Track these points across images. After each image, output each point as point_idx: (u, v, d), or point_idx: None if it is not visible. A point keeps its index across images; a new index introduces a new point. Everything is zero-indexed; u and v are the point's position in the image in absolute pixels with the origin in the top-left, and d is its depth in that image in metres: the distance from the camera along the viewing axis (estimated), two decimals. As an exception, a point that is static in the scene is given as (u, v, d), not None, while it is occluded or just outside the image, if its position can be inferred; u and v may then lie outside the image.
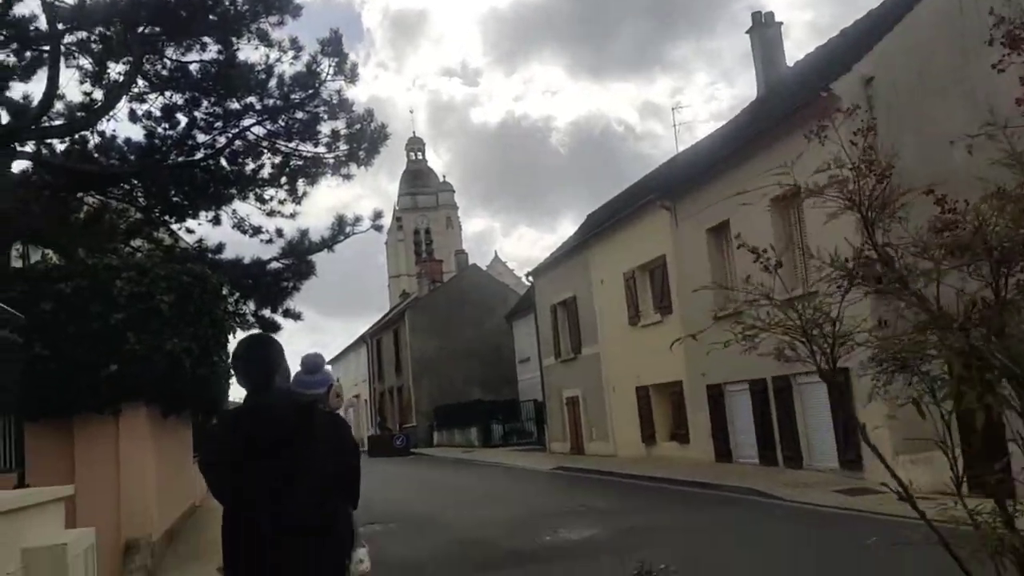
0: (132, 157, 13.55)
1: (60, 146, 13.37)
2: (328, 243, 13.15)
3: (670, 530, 9.91)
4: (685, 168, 18.71)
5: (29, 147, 13.09)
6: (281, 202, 14.53)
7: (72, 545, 4.19)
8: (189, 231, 15.31)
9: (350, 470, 3.03)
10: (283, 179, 14.44)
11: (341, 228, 13.10)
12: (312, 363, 3.46)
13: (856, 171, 3.06)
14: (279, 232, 14.08)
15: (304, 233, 13.37)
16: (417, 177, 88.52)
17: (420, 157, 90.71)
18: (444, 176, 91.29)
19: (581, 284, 24.11)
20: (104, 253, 9.97)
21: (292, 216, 14.37)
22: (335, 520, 2.90)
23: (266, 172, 14.28)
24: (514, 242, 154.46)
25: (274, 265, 13.49)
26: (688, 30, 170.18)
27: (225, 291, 11.82)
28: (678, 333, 18.58)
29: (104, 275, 9.83)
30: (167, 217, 14.96)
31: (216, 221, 14.93)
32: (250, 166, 14.09)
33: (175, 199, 14.66)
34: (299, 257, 13.29)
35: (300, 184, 14.44)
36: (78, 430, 9.88)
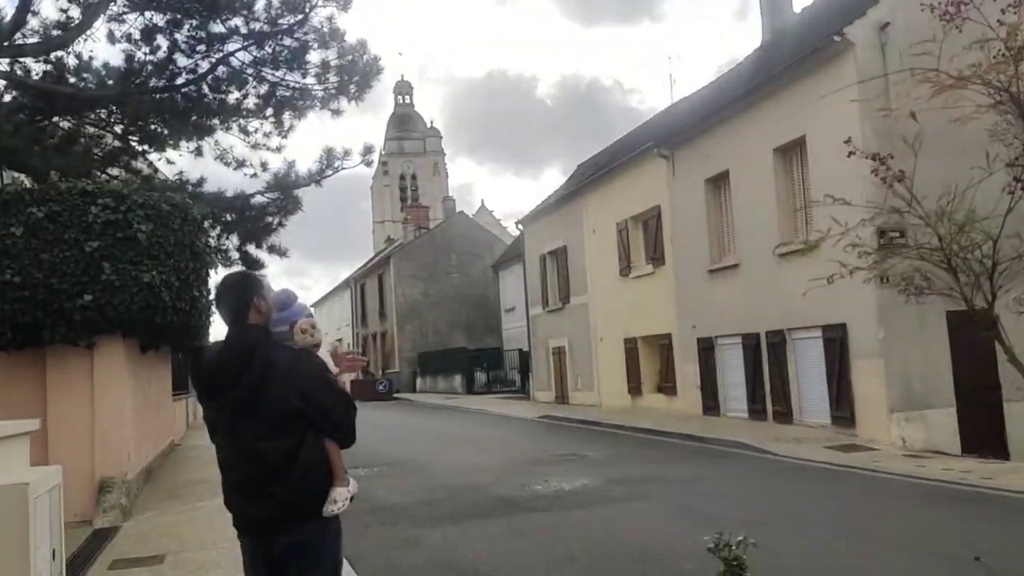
0: (110, 81, 12.87)
1: (36, 66, 12.69)
2: (316, 177, 12.61)
3: (663, 481, 9.70)
4: (684, 117, 18.18)
5: (3, 65, 12.39)
6: (267, 135, 13.93)
7: (35, 484, 3.81)
8: (169, 162, 14.70)
9: (318, 409, 2.88)
10: (269, 111, 13.81)
11: (330, 162, 12.54)
12: (279, 300, 3.17)
13: (1010, 55, 2.63)
14: (264, 166, 13.51)
15: (291, 165, 12.83)
16: (404, 122, 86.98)
17: (408, 101, 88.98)
18: (431, 122, 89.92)
19: (572, 234, 23.70)
20: (79, 178, 9.40)
21: (278, 150, 13.80)
22: (296, 454, 2.81)
23: (251, 102, 13.64)
24: (499, 193, 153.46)
25: (258, 199, 12.95)
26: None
27: (207, 224, 11.32)
28: (669, 284, 18.32)
29: (79, 201, 9.30)
30: (146, 146, 14.34)
31: (198, 152, 14.34)
32: (234, 95, 13.45)
33: (155, 128, 14.04)
34: (285, 191, 12.75)
35: (287, 117, 13.83)
36: (51, 362, 9.45)
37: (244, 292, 2.97)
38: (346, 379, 3.39)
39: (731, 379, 15.93)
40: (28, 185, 9.33)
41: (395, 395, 35.34)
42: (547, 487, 9.59)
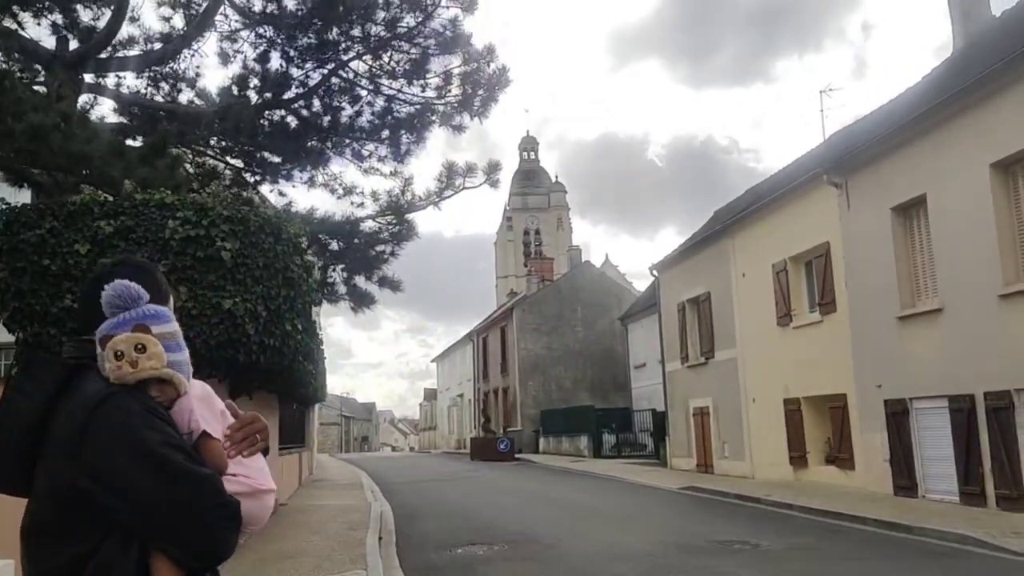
0: (216, 99, 11.78)
1: (135, 82, 11.77)
2: (434, 198, 10.95)
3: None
4: (860, 139, 15.50)
5: (110, 79, 11.51)
6: (381, 159, 12.47)
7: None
8: (281, 194, 13.50)
9: (126, 496, 1.53)
10: (385, 132, 12.36)
11: (451, 179, 10.85)
12: (111, 295, 1.69)
13: None
14: (375, 196, 12.00)
15: (407, 183, 11.16)
16: (529, 177, 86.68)
17: (533, 157, 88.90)
18: (556, 176, 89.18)
19: (716, 279, 21.10)
20: (157, 189, 8.00)
21: (393, 175, 12.29)
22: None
23: (365, 120, 12.25)
24: (617, 253, 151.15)
25: (369, 224, 11.41)
26: (791, 44, 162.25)
27: (309, 250, 9.77)
28: (843, 335, 15.42)
29: (156, 214, 7.87)
30: (259, 177, 13.17)
31: (311, 183, 13.07)
32: (347, 112, 12.09)
33: (266, 155, 12.87)
34: (399, 215, 11.13)
35: (403, 138, 12.32)
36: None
37: (99, 285, 1.73)
38: (251, 464, 1.78)
39: (933, 452, 12.82)
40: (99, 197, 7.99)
41: (517, 455, 33.12)
42: (723, 593, 7.14)
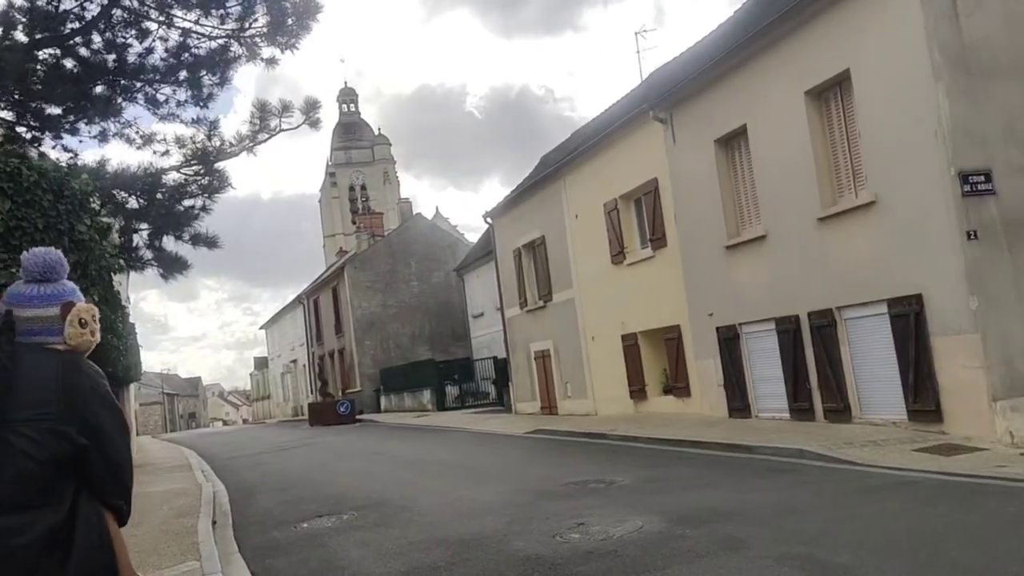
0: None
1: None
2: (248, 143, 9.80)
3: (742, 517, 7.08)
4: (681, 75, 15.70)
5: None
6: (180, 104, 11.07)
7: None
8: (67, 150, 11.75)
9: (105, 454, 1.73)
10: (183, 72, 10.96)
11: (264, 121, 9.73)
12: (39, 263, 1.86)
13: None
14: (179, 142, 10.63)
15: (213, 127, 9.91)
16: (350, 130, 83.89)
17: (353, 109, 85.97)
18: (379, 129, 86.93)
19: (550, 222, 21.09)
20: None
21: (196, 123, 10.95)
22: (70, 536, 1.62)
23: (158, 59, 10.79)
24: (444, 206, 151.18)
25: (174, 176, 10.09)
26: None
27: (97, 203, 8.40)
28: (675, 268, 15.79)
29: None
30: (37, 132, 11.38)
31: (102, 137, 11.43)
32: (135, 48, 10.58)
33: (43, 107, 11.12)
34: (207, 164, 9.91)
35: (204, 79, 10.98)
36: None
37: None
38: None
39: (763, 373, 13.44)
40: None
41: (358, 417, 32.25)
42: (588, 536, 6.90)
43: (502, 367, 27.94)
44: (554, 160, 22.24)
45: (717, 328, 14.37)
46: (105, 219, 9.25)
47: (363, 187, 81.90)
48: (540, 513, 8.15)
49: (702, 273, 14.74)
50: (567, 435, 16.12)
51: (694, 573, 5.50)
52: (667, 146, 15.51)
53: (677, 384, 16.28)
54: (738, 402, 14.02)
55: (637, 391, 17.58)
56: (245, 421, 75.19)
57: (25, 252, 1.98)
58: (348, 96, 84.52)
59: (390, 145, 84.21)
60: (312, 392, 43.75)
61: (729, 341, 14.12)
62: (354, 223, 63.32)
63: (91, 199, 7.73)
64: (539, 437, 16.68)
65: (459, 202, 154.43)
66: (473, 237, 42.40)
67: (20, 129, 11.61)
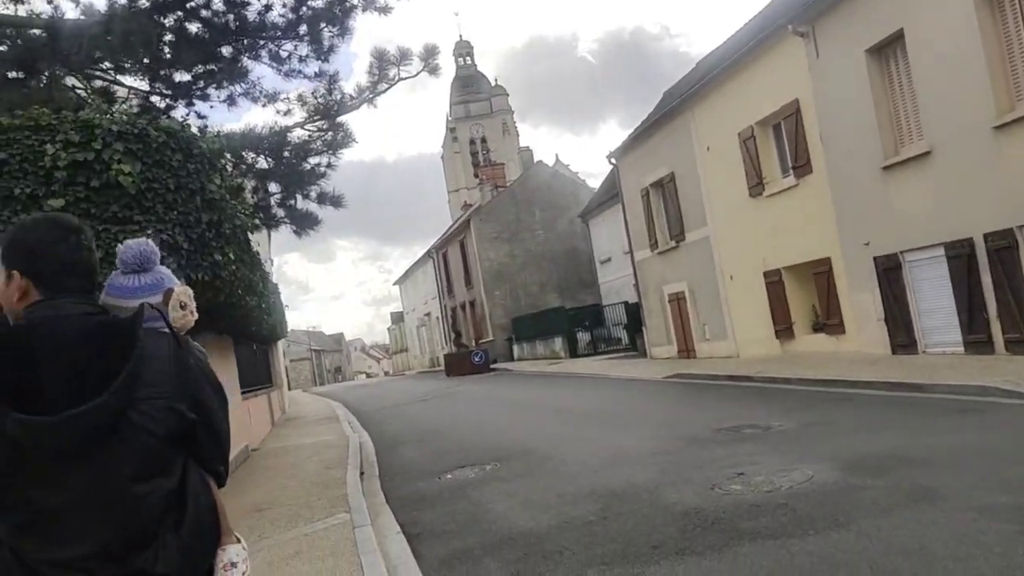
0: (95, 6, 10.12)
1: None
2: (368, 94, 9.55)
3: (925, 463, 6.30)
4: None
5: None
6: (302, 59, 10.96)
7: None
8: (200, 117, 11.96)
9: (211, 428, 1.87)
10: (301, 26, 10.83)
11: (383, 71, 9.46)
12: (135, 254, 1.94)
13: None
14: (301, 100, 10.53)
15: (333, 80, 9.70)
16: (467, 84, 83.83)
17: (469, 62, 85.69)
18: (495, 80, 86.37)
19: (679, 157, 20.05)
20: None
21: (317, 76, 10.82)
22: (183, 497, 1.80)
23: (276, 15, 10.69)
24: (563, 153, 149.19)
25: (298, 133, 10.02)
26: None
27: (227, 164, 8.40)
28: (822, 196, 14.57)
29: (31, 139, 6.49)
30: (171, 101, 11.61)
31: (231, 101, 11.53)
32: (254, 6, 10.51)
33: (172, 73, 11.30)
34: (330, 118, 9.76)
35: (324, 32, 10.81)
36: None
37: (86, 238, 1.89)
38: None
39: (931, 304, 12.21)
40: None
41: (492, 366, 32.56)
42: (751, 487, 6.34)
43: (634, 312, 27.30)
44: (679, 92, 21.05)
45: (875, 258, 13.17)
46: (235, 180, 9.29)
47: (483, 140, 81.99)
48: (693, 461, 7.64)
49: (855, 199, 13.49)
50: (709, 378, 15.42)
51: (884, 529, 4.86)
52: (809, 62, 14.19)
53: (829, 321, 15.17)
54: (902, 337, 12.85)
55: (783, 330, 16.57)
56: (386, 373, 78.23)
57: (120, 245, 2.06)
58: (464, 49, 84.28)
59: (507, 95, 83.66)
60: (447, 343, 44.66)
61: (889, 271, 12.91)
62: (476, 176, 63.58)
63: (220, 158, 7.69)
64: (679, 381, 16.06)
65: (577, 149, 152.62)
66: (594, 183, 41.59)
67: (154, 99, 11.91)
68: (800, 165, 15.25)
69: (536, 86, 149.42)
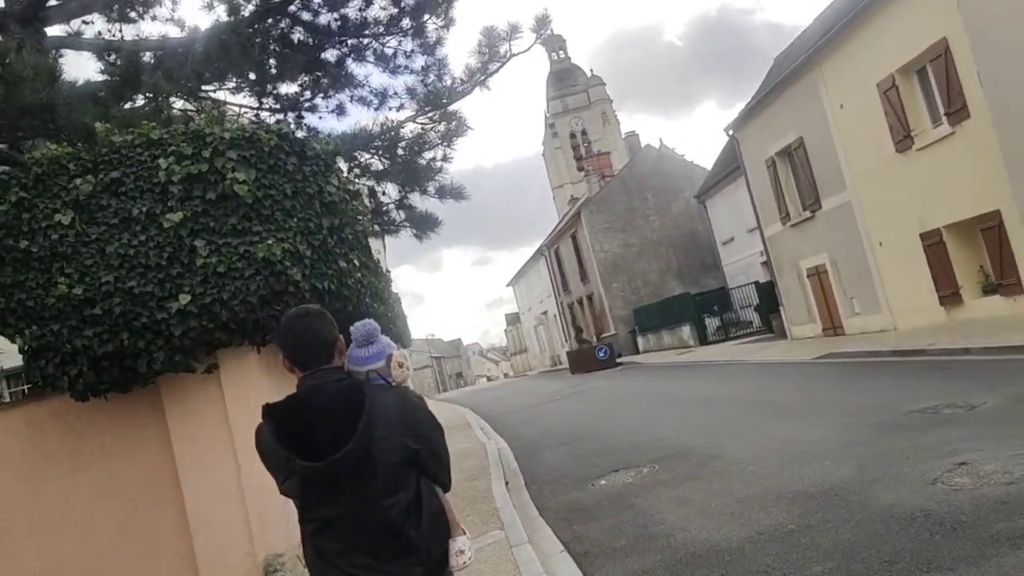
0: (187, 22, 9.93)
1: (105, 25, 10.00)
2: (479, 76, 8.90)
3: None
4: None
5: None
6: (408, 55, 10.48)
7: None
8: (310, 130, 11.72)
9: (431, 452, 2.53)
10: (404, 20, 10.34)
11: (492, 49, 8.79)
12: (363, 333, 2.60)
13: None
14: (411, 92, 10.02)
15: (442, 65, 9.11)
16: (563, 78, 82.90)
17: (563, 56, 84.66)
18: (591, 70, 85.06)
19: (808, 120, 18.55)
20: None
21: (424, 70, 10.31)
22: (419, 503, 2.47)
23: (378, 10, 10.25)
24: (665, 138, 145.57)
25: (410, 127, 9.51)
26: None
27: (342, 166, 7.95)
28: (984, 142, 12.91)
29: (144, 156, 6.17)
30: (280, 115, 11.41)
31: (340, 111, 11.22)
32: (354, 3, 10.10)
33: (277, 87, 11.09)
34: (441, 107, 9.18)
35: (428, 24, 10.29)
36: (167, 402, 6.50)
37: (327, 324, 2.55)
38: None
39: None
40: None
41: (618, 360, 31.57)
42: (983, 479, 5.26)
43: (766, 291, 25.72)
44: (797, 54, 19.49)
45: (1060, 204, 11.50)
46: (352, 184, 8.86)
47: (583, 132, 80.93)
48: (895, 452, 6.57)
49: (1028, 140, 11.83)
50: (869, 355, 14.00)
51: None
52: (958, -7, 12.59)
53: (1004, 281, 13.46)
54: (1102, 292, 11.14)
55: (949, 296, 14.90)
56: (507, 375, 78.36)
57: (352, 327, 2.62)
58: (556, 43, 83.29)
59: (604, 85, 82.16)
60: (567, 341, 43.96)
61: (1081, 217, 11.23)
62: (580, 169, 62.61)
63: (336, 159, 7.24)
64: (834, 361, 14.69)
65: (675, 134, 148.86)
66: (701, 165, 39.78)
67: (263, 115, 11.74)
68: (955, 111, 13.61)
69: (625, 77, 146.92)
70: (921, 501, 5.13)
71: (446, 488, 2.63)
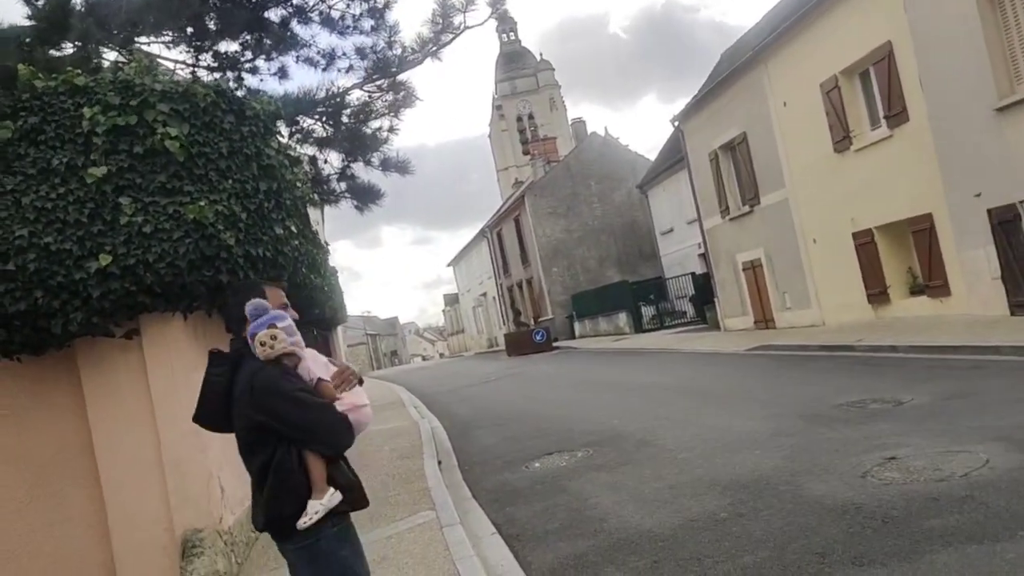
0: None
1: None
2: (431, 46, 8.65)
3: None
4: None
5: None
6: (356, 18, 10.13)
7: None
8: (250, 91, 11.26)
9: (284, 423, 2.81)
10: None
11: (446, 19, 8.55)
12: (249, 309, 2.97)
13: None
14: (360, 52, 9.67)
15: (392, 31, 8.82)
16: (513, 60, 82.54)
17: (514, 37, 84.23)
18: (541, 54, 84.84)
19: (751, 116, 18.78)
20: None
21: (374, 31, 9.97)
22: (267, 471, 2.84)
23: (325, -30, 9.87)
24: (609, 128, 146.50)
25: (357, 95, 9.20)
26: None
27: (282, 129, 7.63)
28: (921, 145, 13.25)
29: (67, 103, 5.78)
30: (217, 74, 10.91)
31: (282, 74, 10.79)
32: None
33: (216, 44, 10.61)
34: (389, 75, 8.91)
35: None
36: (83, 367, 6.14)
37: (237, 300, 2.99)
38: (352, 397, 3.02)
39: (1060, 259, 10.93)
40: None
41: (555, 344, 31.70)
42: (913, 475, 5.35)
43: (702, 283, 26.15)
44: (744, 50, 19.69)
45: (988, 210, 11.88)
46: (293, 150, 8.53)
47: (530, 116, 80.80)
48: (825, 444, 6.67)
49: (963, 146, 12.19)
50: (800, 349, 14.31)
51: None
52: (905, 0, 12.85)
53: (931, 282, 13.89)
54: (1022, 295, 11.57)
55: (877, 295, 15.32)
56: (442, 355, 78.07)
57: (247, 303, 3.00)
58: (508, 24, 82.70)
59: (553, 70, 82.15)
60: (504, 323, 43.95)
61: (1006, 224, 11.62)
62: (526, 152, 62.46)
63: (277, 122, 6.93)
64: (766, 353, 14.97)
65: (619, 124, 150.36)
66: (643, 155, 40.12)
67: (200, 73, 11.23)
68: (894, 114, 13.93)
69: (571, 66, 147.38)
70: (852, 494, 5.18)
71: (326, 452, 2.85)
